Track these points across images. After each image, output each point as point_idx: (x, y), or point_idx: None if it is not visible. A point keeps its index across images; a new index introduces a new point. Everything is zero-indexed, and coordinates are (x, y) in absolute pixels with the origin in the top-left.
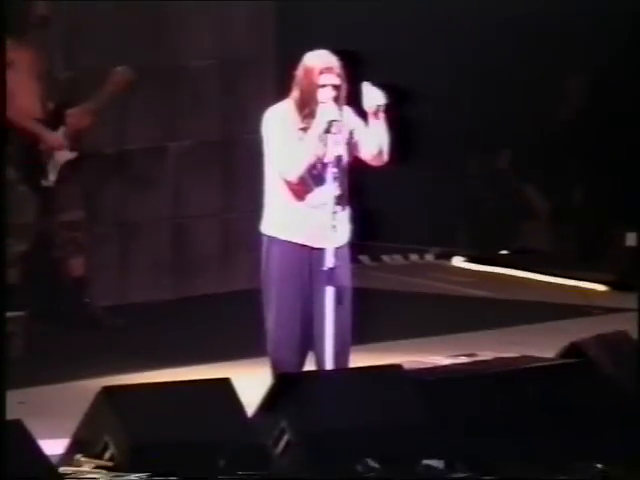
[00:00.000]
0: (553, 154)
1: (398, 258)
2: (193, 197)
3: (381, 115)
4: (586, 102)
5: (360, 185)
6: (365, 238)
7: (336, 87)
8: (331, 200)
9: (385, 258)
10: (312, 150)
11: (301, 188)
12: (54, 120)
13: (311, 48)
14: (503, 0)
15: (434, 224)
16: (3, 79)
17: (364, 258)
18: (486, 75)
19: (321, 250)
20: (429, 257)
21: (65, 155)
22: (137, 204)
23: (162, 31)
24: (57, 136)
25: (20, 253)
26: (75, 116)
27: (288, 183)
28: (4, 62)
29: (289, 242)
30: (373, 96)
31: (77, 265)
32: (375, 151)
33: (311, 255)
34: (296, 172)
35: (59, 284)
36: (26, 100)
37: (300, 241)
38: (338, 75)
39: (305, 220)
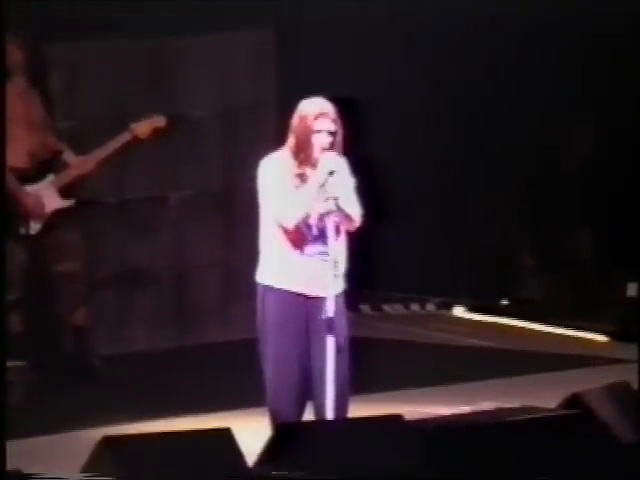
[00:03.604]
0: (554, 203)
1: (399, 307)
2: (194, 246)
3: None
4: (587, 151)
5: (360, 234)
6: (366, 287)
7: (332, 133)
8: (332, 250)
9: (386, 307)
10: (310, 200)
11: (298, 237)
12: (42, 168)
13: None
14: (504, 48)
15: (435, 274)
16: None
17: (365, 307)
18: (488, 124)
19: (317, 299)
20: (430, 307)
21: (55, 203)
22: (138, 253)
23: (162, 80)
24: (33, 196)
25: (11, 302)
26: (78, 164)
27: (285, 232)
28: (4, 69)
29: (284, 291)
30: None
31: (79, 315)
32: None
33: (307, 304)
34: (293, 220)
35: (61, 334)
36: (10, 150)
37: (296, 290)
38: (333, 121)
39: (301, 269)
